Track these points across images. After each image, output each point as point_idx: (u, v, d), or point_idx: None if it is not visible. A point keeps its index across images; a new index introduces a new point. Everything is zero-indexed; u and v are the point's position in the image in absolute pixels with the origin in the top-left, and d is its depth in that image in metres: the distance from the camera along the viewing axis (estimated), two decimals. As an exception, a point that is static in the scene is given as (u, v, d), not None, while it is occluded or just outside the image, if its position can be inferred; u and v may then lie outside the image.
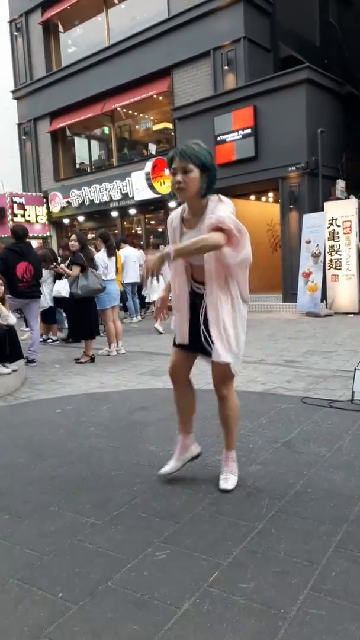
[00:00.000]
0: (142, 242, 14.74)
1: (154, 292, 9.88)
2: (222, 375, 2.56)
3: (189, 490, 2.56)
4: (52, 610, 1.72)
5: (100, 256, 6.63)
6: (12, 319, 5.23)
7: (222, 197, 2.39)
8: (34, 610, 1.73)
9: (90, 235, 14.35)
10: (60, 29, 16.45)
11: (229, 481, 2.57)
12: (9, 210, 15.34)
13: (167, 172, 12.66)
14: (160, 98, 14.07)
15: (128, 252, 10.05)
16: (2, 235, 14.64)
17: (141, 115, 15.64)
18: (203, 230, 2.31)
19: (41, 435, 3.56)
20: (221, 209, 2.31)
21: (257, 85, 11.25)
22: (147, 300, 10.09)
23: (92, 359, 6.32)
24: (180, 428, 2.75)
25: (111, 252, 6.83)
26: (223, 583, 1.82)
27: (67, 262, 7.04)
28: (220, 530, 2.18)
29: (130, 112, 15.47)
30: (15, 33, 17.20)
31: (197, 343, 2.53)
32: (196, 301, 2.50)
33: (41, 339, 7.74)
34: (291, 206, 11.26)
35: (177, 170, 2.30)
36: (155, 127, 15.37)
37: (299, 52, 12.37)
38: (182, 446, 2.73)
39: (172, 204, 13.58)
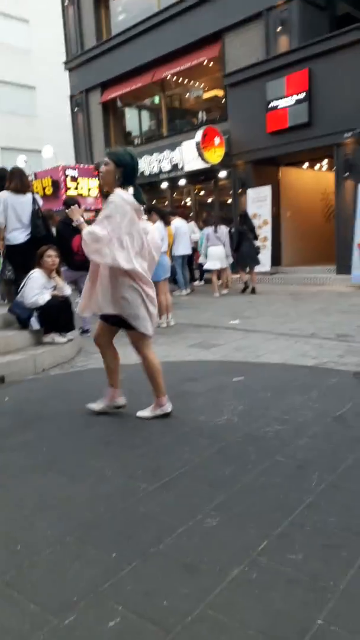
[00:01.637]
0: (191, 214, 14.62)
1: (214, 259, 9.93)
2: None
3: (238, 461, 2.58)
4: (106, 569, 1.80)
5: (159, 227, 6.62)
6: (67, 290, 5.36)
7: (119, 194, 2.95)
8: (89, 567, 1.82)
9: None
10: (111, -5, 16.20)
11: (144, 412, 3.30)
12: (63, 184, 15.53)
13: (217, 140, 12.41)
14: (211, 64, 13.67)
15: (179, 224, 9.99)
16: (57, 209, 14.90)
17: (191, 83, 15.30)
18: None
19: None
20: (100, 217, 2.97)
21: (312, 47, 10.71)
22: (205, 267, 10.30)
23: (142, 330, 6.41)
24: (108, 382, 3.45)
25: (166, 222, 6.85)
26: (271, 553, 1.84)
27: None
28: (269, 501, 2.19)
29: (180, 80, 15.16)
30: (67, 3, 17.09)
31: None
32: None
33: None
34: (346, 174, 10.80)
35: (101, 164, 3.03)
36: (206, 95, 15.01)
37: (356, 9, 11.63)
38: (109, 396, 3.43)
39: (222, 173, 13.35)
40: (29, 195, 5.53)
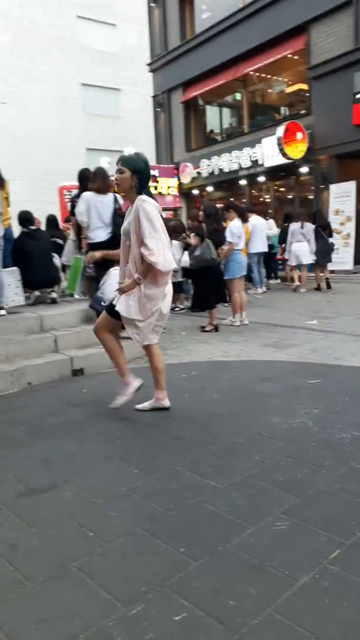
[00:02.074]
0: (269, 211, 14.39)
1: (298, 255, 9.81)
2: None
3: (312, 465, 2.50)
4: (173, 564, 1.82)
5: (236, 224, 6.59)
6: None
7: (145, 201, 3.09)
8: (158, 560, 1.84)
9: (218, 206, 14.34)
10: (195, -7, 16.29)
11: (143, 405, 3.41)
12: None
13: (299, 135, 12.10)
14: (295, 57, 13.34)
15: (256, 222, 9.86)
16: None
17: (274, 77, 15.02)
18: (131, 218, 3.12)
19: (168, 398, 3.72)
20: (141, 228, 3.06)
21: None
22: (288, 264, 10.41)
23: (216, 328, 6.41)
24: (118, 371, 3.46)
25: (245, 219, 6.80)
26: (344, 562, 1.77)
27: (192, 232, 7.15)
28: (343, 508, 2.11)
29: (262, 75, 14.94)
30: (152, 4, 17.41)
31: None
32: None
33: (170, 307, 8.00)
34: None
35: (117, 171, 3.15)
36: (289, 90, 14.68)
37: None
38: (124, 383, 3.41)
39: (304, 169, 13.00)
40: (110, 196, 5.70)
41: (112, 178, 3.22)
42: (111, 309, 3.33)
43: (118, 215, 5.71)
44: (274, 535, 1.95)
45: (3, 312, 5.13)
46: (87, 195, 5.67)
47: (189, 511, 2.16)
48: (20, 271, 5.68)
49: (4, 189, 5.48)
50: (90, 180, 5.76)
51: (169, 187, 16.44)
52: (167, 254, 3.12)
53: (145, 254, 3.05)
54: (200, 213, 6.44)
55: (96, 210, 5.60)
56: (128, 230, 3.19)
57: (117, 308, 3.23)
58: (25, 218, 6.04)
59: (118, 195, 6.01)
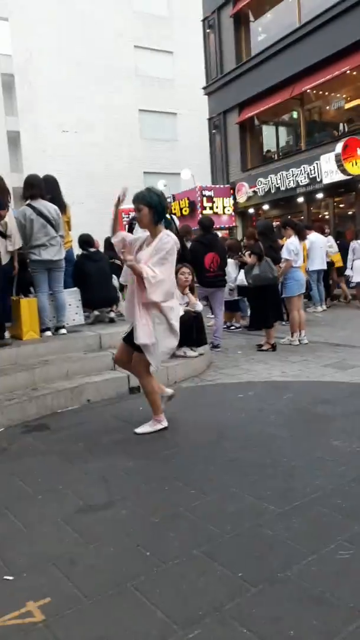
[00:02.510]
0: (327, 229, 14.09)
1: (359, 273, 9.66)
2: None
3: (377, 492, 2.38)
4: (231, 588, 1.77)
5: (293, 242, 6.52)
6: (199, 306, 5.50)
7: (169, 236, 3.27)
8: (215, 584, 1.81)
9: (275, 224, 14.25)
10: (251, 17, 16.49)
11: (142, 427, 3.42)
12: (199, 204, 16.07)
13: (359, 151, 11.85)
14: (354, 73, 13.15)
15: (314, 238, 9.69)
16: (194, 228, 15.44)
17: (332, 94, 14.86)
18: (150, 249, 3.26)
19: (224, 418, 3.69)
20: (155, 255, 3.22)
21: None
22: (351, 280, 10.22)
23: (273, 348, 6.30)
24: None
25: (302, 237, 6.71)
26: None
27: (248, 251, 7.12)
28: None
29: (320, 92, 14.82)
30: (208, 30, 17.80)
31: None
32: None
33: (225, 326, 7.98)
34: None
35: (135, 209, 3.33)
36: (348, 105, 14.45)
37: None
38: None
39: (364, 185, 12.70)
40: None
41: (136, 214, 3.38)
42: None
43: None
44: (337, 564, 1.87)
45: (64, 331, 5.30)
46: None
47: (247, 535, 2.11)
48: (80, 291, 5.86)
49: (65, 213, 5.71)
50: None
51: (224, 207, 16.53)
52: (168, 289, 3.25)
53: (149, 275, 3.14)
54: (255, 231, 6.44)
55: None
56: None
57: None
58: (85, 240, 6.24)
59: (174, 217, 6.12)
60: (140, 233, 3.60)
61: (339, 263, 10.56)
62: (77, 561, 2.00)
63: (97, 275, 5.94)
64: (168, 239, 3.25)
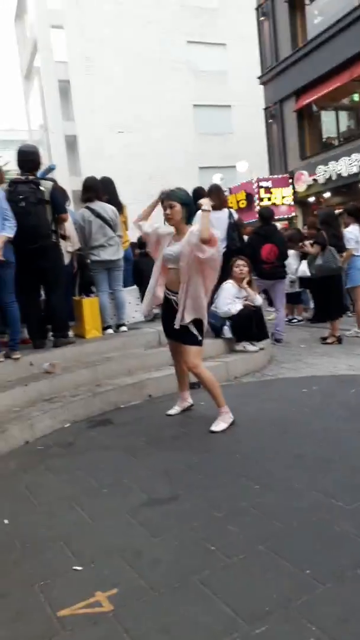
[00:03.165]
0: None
1: None
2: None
3: None
4: (298, 585, 1.74)
5: (351, 230, 6.29)
6: (258, 300, 5.42)
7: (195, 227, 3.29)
8: (281, 580, 1.77)
9: (337, 211, 13.78)
10: (307, 0, 16.01)
11: (218, 425, 3.33)
12: (256, 196, 15.83)
13: None
14: None
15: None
16: (250, 220, 15.24)
17: (395, 73, 14.14)
18: (184, 242, 3.28)
19: (287, 412, 3.62)
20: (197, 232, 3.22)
21: None
22: None
23: (339, 340, 6.10)
24: (179, 386, 3.83)
25: None
26: None
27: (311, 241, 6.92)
28: None
29: (381, 72, 14.15)
30: (262, 18, 17.45)
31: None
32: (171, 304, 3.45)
33: (287, 319, 7.82)
34: None
35: (166, 206, 3.37)
36: None
37: None
38: (181, 398, 3.83)
39: None
40: (225, 211, 5.76)
41: (167, 212, 3.39)
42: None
43: (233, 230, 5.76)
44: None
45: (124, 328, 5.40)
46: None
47: (313, 531, 2.05)
48: (139, 289, 5.95)
49: (122, 213, 5.81)
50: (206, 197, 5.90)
51: (283, 197, 16.19)
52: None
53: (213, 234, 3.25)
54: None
55: (212, 226, 5.70)
56: (177, 256, 3.33)
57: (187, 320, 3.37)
58: (143, 242, 6.33)
59: (233, 210, 6.05)
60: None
61: None
62: (143, 553, 2.03)
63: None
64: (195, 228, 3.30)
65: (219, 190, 5.92)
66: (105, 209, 5.25)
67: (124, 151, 21.79)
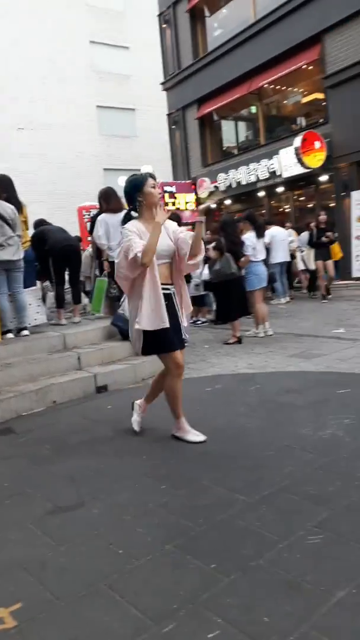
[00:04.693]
0: (288, 222, 14.31)
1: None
2: None
3: (345, 477, 2.43)
4: (205, 580, 1.78)
5: (249, 237, 6.60)
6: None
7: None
8: (189, 577, 1.80)
9: (236, 218, 14.34)
10: (207, 12, 16.51)
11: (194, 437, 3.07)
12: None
13: (317, 145, 12.06)
14: (310, 68, 13.35)
15: (275, 232, 9.82)
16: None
17: (289, 89, 15.06)
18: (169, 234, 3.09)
19: (193, 412, 3.68)
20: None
21: None
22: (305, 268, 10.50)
23: (239, 341, 6.36)
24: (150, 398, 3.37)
25: (260, 233, 6.75)
26: (382, 577, 1.70)
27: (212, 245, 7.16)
28: (378, 521, 2.04)
29: (277, 87, 14.99)
30: (164, 25, 17.73)
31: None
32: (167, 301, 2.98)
33: (191, 321, 8.00)
34: None
35: (156, 185, 3.11)
36: (305, 100, 14.68)
37: None
38: (143, 409, 3.38)
39: (323, 177, 12.94)
40: (124, 213, 5.76)
41: (153, 192, 3.07)
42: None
43: None
44: (307, 549, 1.89)
45: (26, 332, 5.19)
46: (102, 217, 5.78)
47: (219, 527, 2.11)
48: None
49: (22, 212, 5.59)
50: (104, 201, 5.86)
51: (186, 203, 16.56)
52: None
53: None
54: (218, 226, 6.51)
55: (114, 229, 5.69)
56: (171, 250, 3.07)
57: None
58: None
59: (133, 213, 6.06)
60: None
61: (338, 255, 10.41)
62: (48, 564, 1.97)
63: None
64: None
65: (115, 193, 5.90)
66: (4, 207, 5.02)
67: (28, 151, 21.01)
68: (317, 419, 3.28)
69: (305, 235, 10.55)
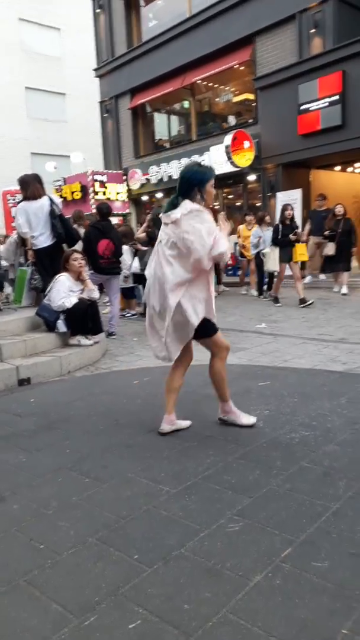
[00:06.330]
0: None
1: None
2: None
3: (263, 466, 2.54)
4: (127, 571, 1.79)
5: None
6: (96, 293, 5.42)
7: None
8: (111, 569, 1.81)
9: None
10: (142, 2, 16.35)
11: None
12: (91, 189, 15.73)
13: (247, 144, 12.36)
14: (242, 68, 13.64)
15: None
16: (85, 213, 15.09)
17: (221, 87, 15.29)
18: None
19: (120, 405, 3.69)
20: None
21: (347, 48, 10.55)
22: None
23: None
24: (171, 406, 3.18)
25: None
26: (295, 560, 1.80)
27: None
28: (294, 507, 2.15)
29: (210, 84, 15.17)
30: (98, 10, 17.33)
31: None
32: None
33: (121, 314, 7.95)
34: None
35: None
36: (236, 99, 14.98)
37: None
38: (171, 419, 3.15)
39: (251, 177, 13.29)
40: (43, 199, 5.60)
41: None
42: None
43: (53, 217, 5.61)
44: (227, 537, 1.96)
45: None
46: (22, 205, 5.60)
47: (142, 518, 2.14)
48: None
49: None
50: (22, 189, 5.69)
51: (117, 193, 16.37)
52: None
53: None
54: (147, 218, 6.50)
55: (35, 217, 5.53)
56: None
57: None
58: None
59: (53, 196, 5.91)
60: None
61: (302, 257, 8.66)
62: (-36, 563, 1.89)
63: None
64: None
65: (32, 179, 5.66)
66: None
67: None
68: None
69: (269, 233, 9.07)
